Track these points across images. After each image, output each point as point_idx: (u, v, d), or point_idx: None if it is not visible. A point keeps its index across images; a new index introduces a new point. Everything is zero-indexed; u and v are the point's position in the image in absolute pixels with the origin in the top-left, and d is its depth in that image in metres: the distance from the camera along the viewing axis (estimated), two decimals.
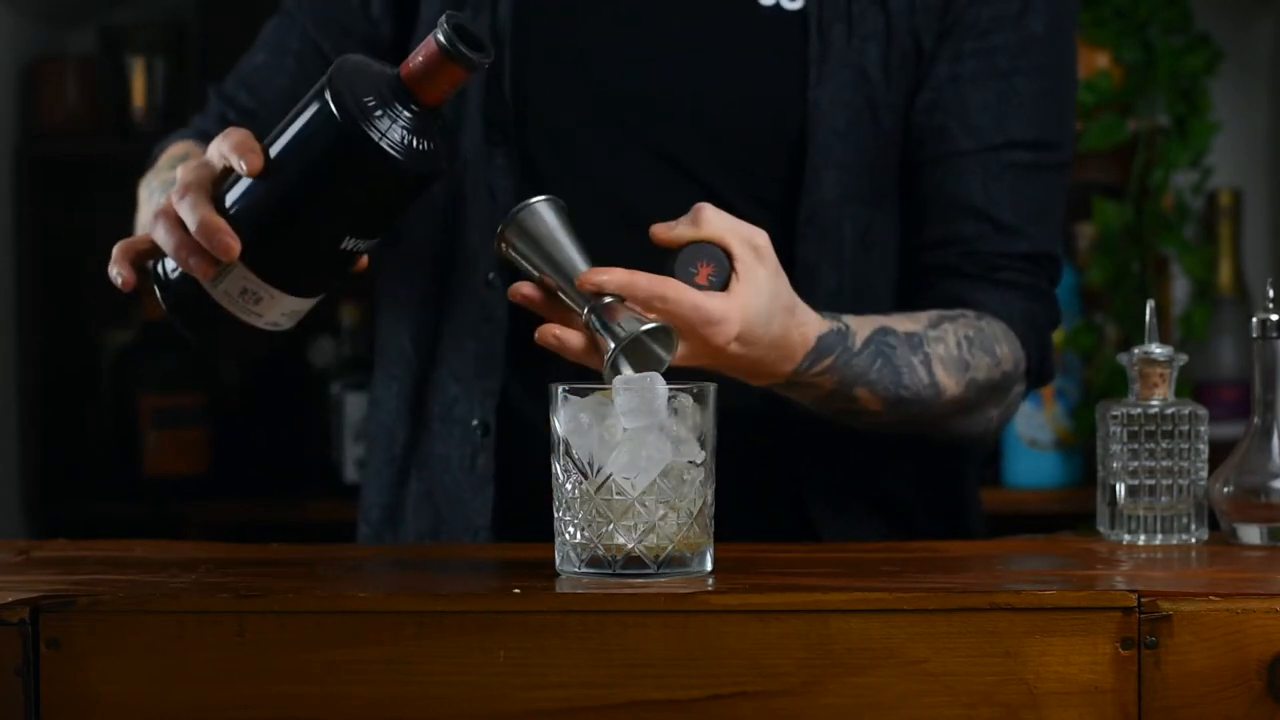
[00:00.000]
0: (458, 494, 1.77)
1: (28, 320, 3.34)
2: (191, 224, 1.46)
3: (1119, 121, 3.16)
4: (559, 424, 1.38)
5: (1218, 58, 3.18)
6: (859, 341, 1.62)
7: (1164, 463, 1.56)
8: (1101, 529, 1.60)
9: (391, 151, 1.43)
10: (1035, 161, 1.77)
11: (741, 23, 1.75)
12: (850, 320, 1.62)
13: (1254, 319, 1.57)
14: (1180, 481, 1.56)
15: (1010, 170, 1.76)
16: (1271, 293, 1.56)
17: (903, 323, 1.68)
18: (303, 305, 1.51)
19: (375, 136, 1.42)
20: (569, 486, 1.37)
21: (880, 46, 1.75)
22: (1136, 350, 1.58)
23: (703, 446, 1.37)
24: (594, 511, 1.36)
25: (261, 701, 1.30)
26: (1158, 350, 1.58)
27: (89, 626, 1.31)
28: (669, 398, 1.36)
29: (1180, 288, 3.28)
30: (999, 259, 1.76)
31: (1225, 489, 1.56)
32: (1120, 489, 1.57)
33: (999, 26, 1.76)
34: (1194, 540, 1.57)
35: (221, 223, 1.45)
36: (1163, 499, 1.56)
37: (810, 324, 1.58)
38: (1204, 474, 1.57)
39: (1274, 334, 1.56)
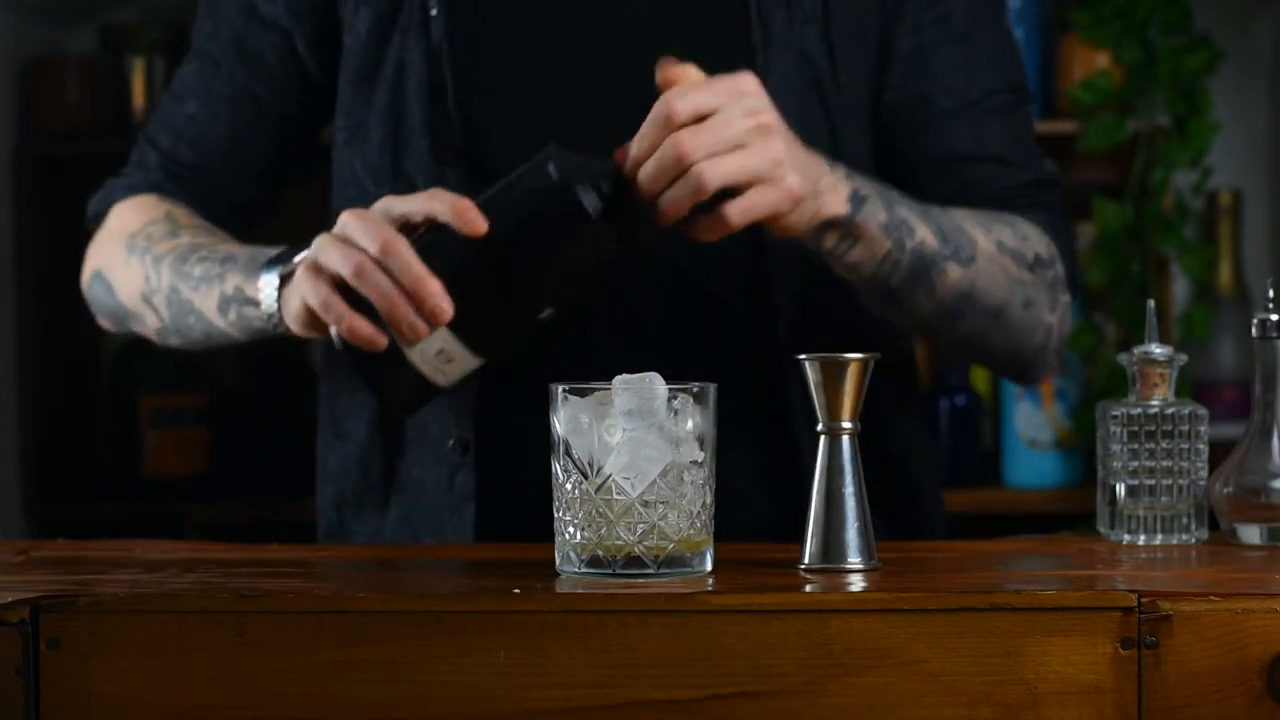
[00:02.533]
0: (435, 514, 1.76)
1: (28, 320, 3.34)
2: (407, 281, 1.48)
3: (1119, 121, 3.16)
4: (559, 424, 1.38)
5: (1218, 58, 3.18)
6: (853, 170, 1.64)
7: (1164, 463, 1.56)
8: (1101, 529, 1.60)
9: (616, 237, 1.50)
10: (1011, 103, 1.81)
11: (682, 14, 1.75)
12: None
13: (1254, 319, 1.57)
14: (1180, 481, 1.56)
15: (993, 115, 1.80)
16: (1271, 293, 1.56)
17: None
18: (478, 366, 1.54)
19: (612, 227, 1.49)
20: (569, 486, 1.37)
21: (819, 27, 1.76)
22: (1136, 350, 1.58)
23: (702, 447, 1.37)
24: (594, 511, 1.36)
25: (261, 702, 1.30)
26: (1158, 350, 1.58)
27: (89, 626, 1.31)
28: (669, 398, 1.36)
29: (1180, 288, 3.29)
30: (1009, 191, 1.79)
31: (1225, 489, 1.56)
32: (1120, 489, 1.57)
33: None
34: (1194, 540, 1.57)
35: (438, 287, 1.48)
36: (1163, 499, 1.56)
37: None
38: (1204, 474, 1.57)
39: (1274, 334, 1.56)
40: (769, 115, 1.53)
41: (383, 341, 1.50)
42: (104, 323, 1.89)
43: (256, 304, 1.67)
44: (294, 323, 1.61)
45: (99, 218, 1.87)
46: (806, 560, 1.42)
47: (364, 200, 1.77)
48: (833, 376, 1.42)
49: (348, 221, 1.52)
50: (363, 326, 1.51)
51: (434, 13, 1.76)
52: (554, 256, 1.50)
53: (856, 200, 1.61)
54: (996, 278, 1.71)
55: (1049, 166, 1.84)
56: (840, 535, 1.42)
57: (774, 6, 1.75)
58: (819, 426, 1.43)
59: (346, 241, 1.52)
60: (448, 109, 1.75)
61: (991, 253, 1.70)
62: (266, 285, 1.66)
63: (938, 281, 1.67)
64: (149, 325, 1.82)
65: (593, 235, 1.49)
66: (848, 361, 1.42)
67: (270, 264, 1.67)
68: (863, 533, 1.42)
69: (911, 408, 1.86)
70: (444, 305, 1.48)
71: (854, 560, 1.42)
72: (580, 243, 1.49)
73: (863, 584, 1.37)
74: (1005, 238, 1.72)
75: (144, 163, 1.88)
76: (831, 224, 1.60)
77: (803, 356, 1.43)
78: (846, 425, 1.42)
